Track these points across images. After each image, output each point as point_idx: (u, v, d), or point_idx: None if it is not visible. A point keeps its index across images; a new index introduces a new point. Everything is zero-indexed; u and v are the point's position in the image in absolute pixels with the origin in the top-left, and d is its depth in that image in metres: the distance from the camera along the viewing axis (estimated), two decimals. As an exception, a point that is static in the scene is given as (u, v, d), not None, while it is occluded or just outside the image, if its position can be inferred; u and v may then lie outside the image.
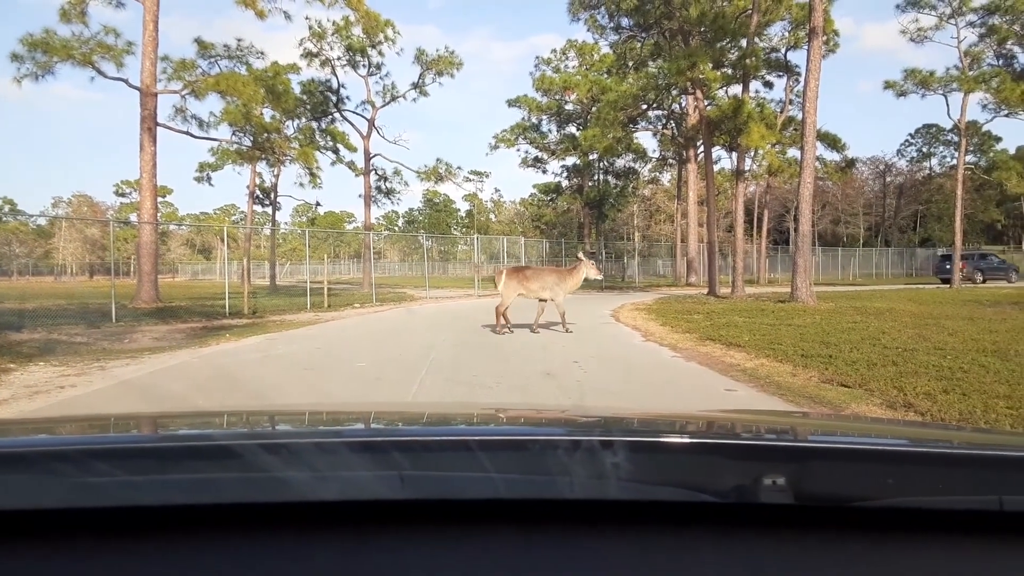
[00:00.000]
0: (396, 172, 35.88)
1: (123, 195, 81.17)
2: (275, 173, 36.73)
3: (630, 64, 32.75)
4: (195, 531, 0.84)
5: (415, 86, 34.03)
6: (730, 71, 23.82)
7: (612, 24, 30.99)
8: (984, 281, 35.34)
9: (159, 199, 29.02)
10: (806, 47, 18.26)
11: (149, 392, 6.91)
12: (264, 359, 9.27)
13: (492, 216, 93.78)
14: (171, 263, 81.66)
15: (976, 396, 5.68)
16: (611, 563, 0.80)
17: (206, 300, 22.17)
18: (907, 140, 73.84)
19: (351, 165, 35.06)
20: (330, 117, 34.43)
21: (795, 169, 34.76)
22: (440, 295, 27.19)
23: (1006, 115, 29.94)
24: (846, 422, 2.99)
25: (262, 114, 30.77)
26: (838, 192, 67.80)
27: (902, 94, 28.27)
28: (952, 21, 29.67)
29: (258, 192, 37.65)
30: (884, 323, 12.66)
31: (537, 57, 47.49)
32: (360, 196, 33.95)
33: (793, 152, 32.89)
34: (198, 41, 26.49)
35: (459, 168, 35.82)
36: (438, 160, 35.26)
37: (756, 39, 25.74)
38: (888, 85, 28.31)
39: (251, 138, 29.65)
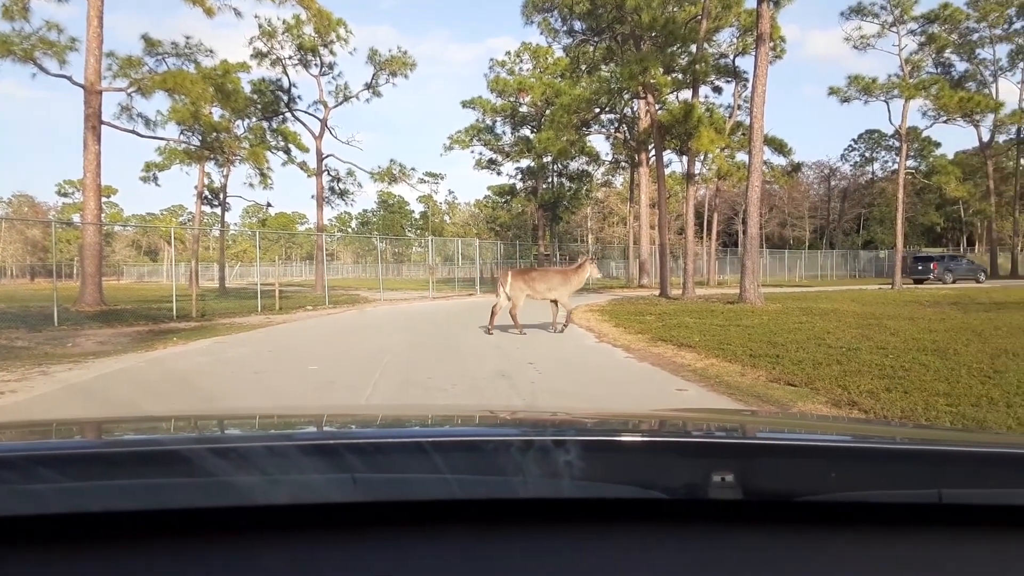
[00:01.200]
0: (349, 173, 35.58)
1: (66, 195, 78.69)
2: (224, 173, 36.07)
3: (583, 68, 33.03)
4: (143, 537, 0.82)
5: (368, 86, 33.80)
6: (680, 76, 24.24)
7: (565, 28, 31.26)
8: (954, 281, 36.36)
9: (103, 199, 28.15)
10: (754, 53, 18.64)
11: (94, 397, 6.72)
12: (213, 363, 9.09)
13: (447, 218, 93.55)
14: (116, 265, 79.47)
15: (917, 394, 5.88)
16: (564, 560, 0.81)
17: (152, 303, 21.63)
18: (850, 145, 75.96)
19: (303, 166, 34.64)
20: (281, 117, 33.96)
21: (743, 173, 35.45)
22: (394, 297, 27.02)
23: (944, 121, 31.05)
24: (792, 420, 3.11)
25: (211, 113, 30.20)
26: (785, 195, 69.29)
27: (846, 100, 29.04)
28: (894, 29, 30.61)
29: (207, 192, 36.91)
30: (829, 323, 13.00)
31: (491, 59, 47.76)
32: (313, 197, 33.59)
33: (742, 156, 33.60)
34: (145, 38, 25.86)
35: (413, 169, 35.72)
36: (392, 161, 35.05)
37: (706, 45, 26.23)
38: (832, 91, 29.06)
39: (200, 137, 29.02)
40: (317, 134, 32.98)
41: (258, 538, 0.83)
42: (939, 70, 40.64)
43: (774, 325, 12.60)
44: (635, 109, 33.65)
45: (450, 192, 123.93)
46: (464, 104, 45.41)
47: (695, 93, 24.04)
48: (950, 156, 55.00)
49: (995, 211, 49.76)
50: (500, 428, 1.46)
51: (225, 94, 25.20)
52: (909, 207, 74.50)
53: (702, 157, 28.03)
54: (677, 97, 33.41)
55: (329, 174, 34.36)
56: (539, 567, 0.80)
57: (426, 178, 43.82)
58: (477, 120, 45.12)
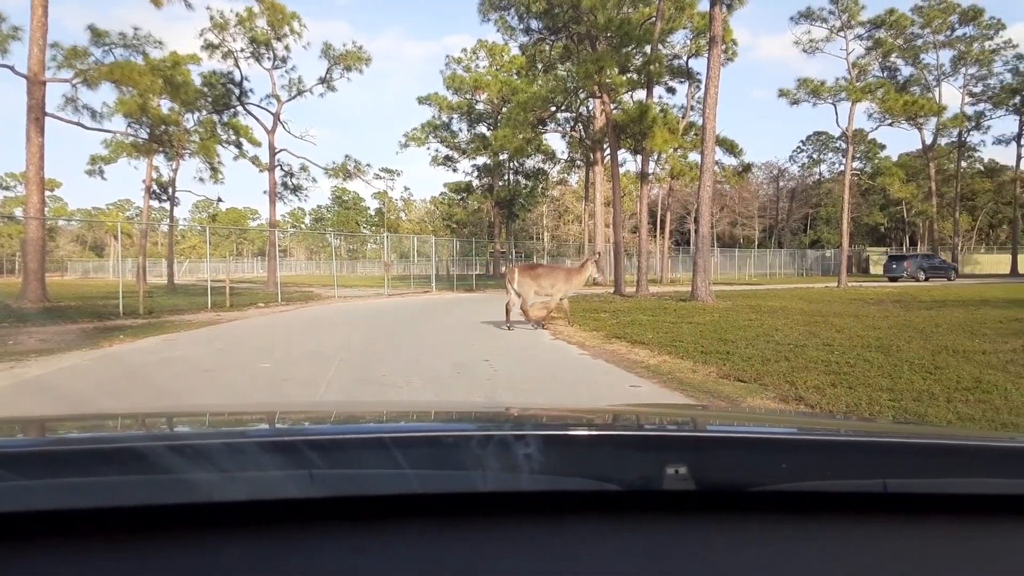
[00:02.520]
0: (303, 168, 35.22)
1: (8, 188, 76.04)
2: (173, 167, 35.27)
3: (539, 66, 33.14)
4: (97, 536, 0.81)
5: (322, 81, 33.34)
6: (635, 76, 24.48)
7: (522, 26, 31.29)
8: (927, 279, 37.82)
9: (47, 193, 27.33)
10: (707, 55, 18.94)
11: (37, 396, 6.54)
12: (161, 361, 8.91)
13: (402, 215, 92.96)
14: (60, 261, 77.12)
15: (861, 389, 6.07)
16: (523, 552, 0.83)
17: (98, 299, 21.05)
18: (799, 147, 77.71)
19: (255, 160, 34.05)
20: (233, 110, 33.30)
21: (696, 173, 35.97)
22: (349, 294, 26.76)
23: (890, 124, 31.97)
24: (743, 413, 3.22)
25: (160, 106, 29.50)
26: (735, 195, 70.52)
27: (795, 102, 29.74)
28: (842, 34, 31.41)
29: (155, 187, 36.04)
30: (777, 320, 13.30)
31: (447, 56, 47.54)
32: (265, 192, 32.98)
33: (694, 156, 34.12)
34: (91, 29, 25.17)
35: (368, 165, 35.32)
36: (347, 157, 34.67)
37: (660, 46, 26.54)
38: (783, 93, 29.72)
39: (148, 130, 28.39)
40: (270, 128, 32.44)
41: (215, 535, 0.82)
42: (885, 74, 41.82)
43: (724, 322, 12.83)
44: (591, 108, 33.88)
45: (406, 189, 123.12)
46: (420, 100, 45.18)
47: (649, 93, 24.33)
48: (895, 158, 56.77)
49: (936, 212, 51.35)
50: (459, 423, 1.48)
51: (174, 86, 24.66)
52: (855, 207, 76.44)
53: (656, 156, 28.37)
54: (632, 97, 33.77)
55: (282, 169, 33.87)
56: (498, 559, 0.81)
57: (381, 174, 43.57)
58: (433, 117, 44.95)
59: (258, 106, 33.20)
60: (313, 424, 1.47)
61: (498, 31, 35.22)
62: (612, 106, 25.96)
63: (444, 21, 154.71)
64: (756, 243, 71.89)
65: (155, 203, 37.79)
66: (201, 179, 34.36)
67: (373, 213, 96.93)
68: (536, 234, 68.25)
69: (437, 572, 0.79)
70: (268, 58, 32.27)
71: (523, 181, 47.68)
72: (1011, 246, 54.16)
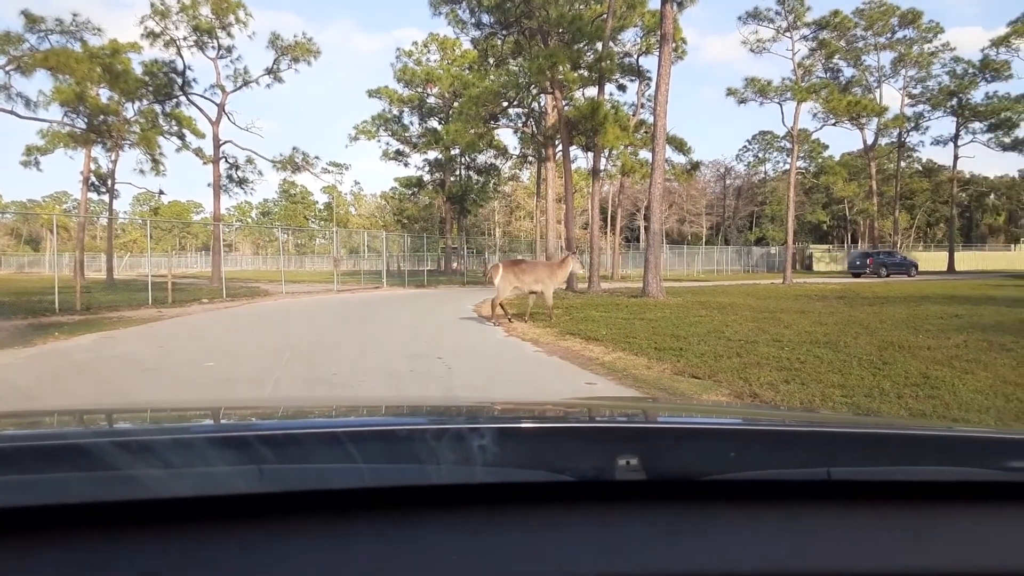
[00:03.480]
0: (249, 161, 34.20)
1: (-67, 179, 72.76)
2: (113, 159, 34.05)
3: (491, 61, 32.97)
4: (37, 533, 0.80)
5: (269, 71, 32.56)
6: (587, 73, 24.51)
7: (473, 20, 31.09)
8: (888, 275, 39.30)
9: (-25, 184, 26.22)
10: (658, 53, 19.06)
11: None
12: (98, 360, 8.53)
13: (352, 209, 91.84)
14: (-9, 254, 74.11)
15: (814, 385, 6.12)
16: (477, 543, 0.83)
17: (33, 295, 20.18)
18: (745, 146, 79.29)
19: (199, 152, 33.06)
20: (175, 100, 32.26)
21: (646, 170, 36.29)
22: (297, 290, 26.21)
23: (834, 124, 32.74)
24: (693, 405, 3.27)
25: (99, 95, 28.52)
26: (683, 193, 71.65)
27: (743, 101, 30.23)
28: (788, 34, 32.01)
29: (94, 179, 34.79)
30: (727, 317, 13.44)
31: (398, 49, 46.90)
32: (209, 185, 32.08)
33: (644, 154, 34.38)
34: (25, 14, 24.11)
35: (317, 158, 34.66)
36: (295, 149, 33.83)
37: (611, 44, 26.65)
38: (731, 92, 30.19)
39: (86, 120, 27.38)
40: (214, 119, 31.54)
41: (160, 531, 0.81)
42: (828, 75, 42.67)
43: (676, 319, 12.91)
44: (543, 104, 33.87)
45: (356, 183, 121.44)
46: (370, 94, 44.59)
47: (601, 90, 24.41)
48: (837, 158, 58.22)
49: (877, 210, 52.80)
50: (413, 417, 1.48)
51: (114, 75, 23.86)
52: (798, 206, 78.28)
53: (607, 153, 28.50)
54: (583, 94, 33.85)
55: (227, 161, 32.92)
56: (451, 551, 0.81)
57: (330, 168, 42.91)
58: (384, 110, 44.40)
59: (202, 96, 32.23)
60: (263, 419, 1.47)
61: (449, 25, 34.97)
62: (564, 103, 25.98)
63: (394, 14, 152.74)
64: (704, 240, 73.10)
65: (94, 195, 36.58)
66: (141, 171, 32.95)
67: (322, 208, 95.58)
68: (488, 230, 68.13)
69: (389, 564, 0.79)
70: (212, 47, 31.36)
71: (475, 177, 47.47)
72: (948, 244, 56.07)
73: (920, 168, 68.80)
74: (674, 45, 34.06)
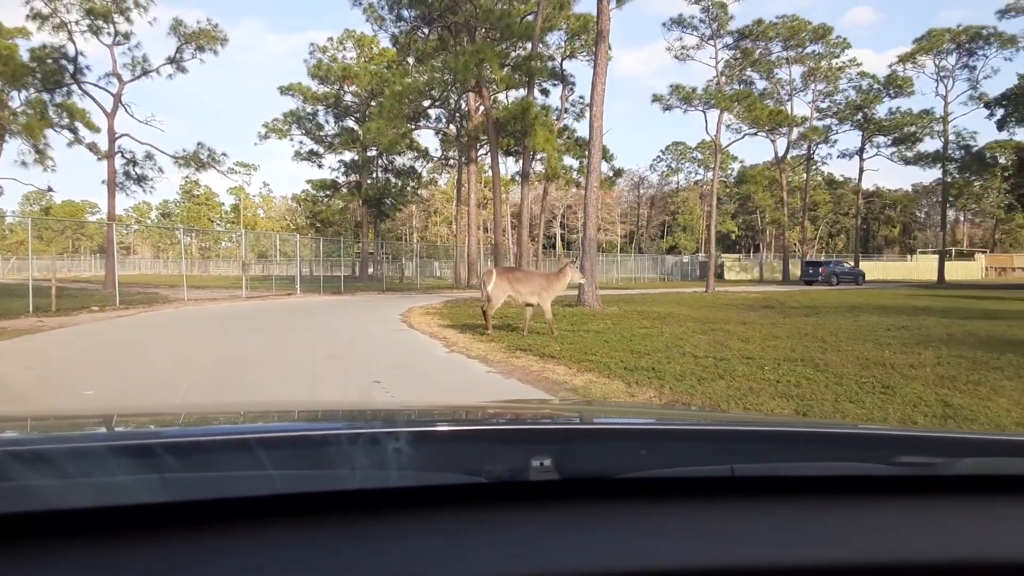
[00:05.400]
0: (148, 156, 31.68)
1: None
2: (-9, 151, 30.89)
3: (410, 60, 31.76)
4: None
5: (172, 61, 30.25)
6: (515, 73, 23.59)
7: (393, 15, 29.81)
8: (838, 283, 41.68)
9: None
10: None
11: None
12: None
13: (260, 212, 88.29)
14: None
15: (838, 418, 5.25)
16: (391, 547, 0.81)
17: None
18: (658, 156, 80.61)
19: (93, 147, 30.26)
20: (66, 90, 29.47)
21: (570, 176, 35.90)
22: (201, 296, 24.02)
23: (754, 133, 33.06)
24: (608, 406, 3.40)
25: (-26, 80, 25.73)
26: (599, 201, 71.99)
27: (667, 108, 30.06)
28: (712, 43, 32.08)
29: (-31, 173, 31.50)
30: (675, 328, 12.73)
31: (312, 44, 44.51)
32: (104, 182, 29.44)
33: (568, 160, 33.93)
34: None
35: (224, 155, 32.47)
36: (200, 145, 31.41)
37: (539, 44, 25.86)
38: (656, 98, 30.00)
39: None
40: (110, 111, 29.01)
41: (57, 545, 0.77)
42: (741, 87, 43.44)
43: (623, 331, 12.12)
44: (466, 106, 32.85)
45: (265, 185, 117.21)
46: (283, 91, 42.41)
47: (530, 90, 23.58)
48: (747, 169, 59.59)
49: (787, 220, 54.23)
50: (328, 421, 1.44)
51: (-8, 58, 21.33)
52: (709, 215, 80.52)
53: (533, 156, 27.65)
54: (507, 96, 33.04)
55: (124, 156, 30.34)
56: (365, 555, 0.80)
57: (238, 169, 40.47)
58: (298, 108, 42.27)
59: (96, 85, 29.59)
60: (168, 426, 1.40)
61: (368, 21, 33.53)
62: (492, 101, 24.99)
63: (308, 14, 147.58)
64: (619, 248, 73.82)
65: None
66: (24, 163, 29.75)
67: (228, 210, 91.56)
68: (404, 235, 66.47)
69: (299, 572, 0.77)
70: (108, 33, 28.87)
71: (393, 179, 45.90)
72: (851, 255, 58.22)
73: (823, 180, 71.55)
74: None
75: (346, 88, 40.26)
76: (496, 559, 0.80)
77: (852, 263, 50.68)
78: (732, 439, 1.18)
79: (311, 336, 12.02)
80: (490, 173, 26.58)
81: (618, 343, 10.19)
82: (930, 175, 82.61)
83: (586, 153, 36.68)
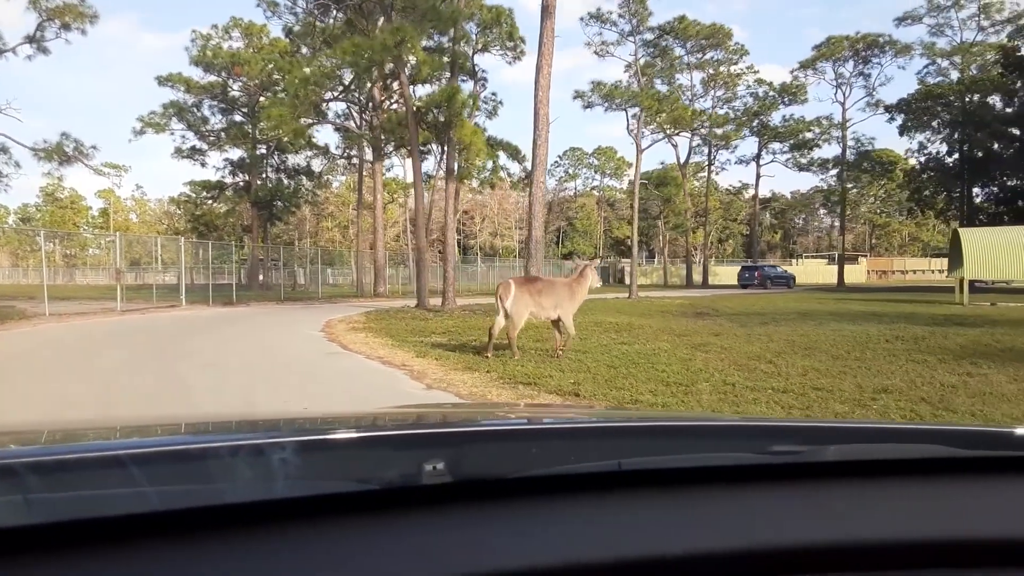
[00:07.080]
0: (3, 149, 27.46)
1: None
2: None
3: (304, 50, 28.97)
4: None
5: (31, 40, 26.23)
6: (438, 57, 21.36)
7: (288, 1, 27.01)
8: (769, 287, 43.61)
9: None
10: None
11: None
12: None
13: (133, 216, 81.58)
14: None
15: None
16: (279, 560, 0.80)
17: None
18: (556, 161, 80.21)
19: (-68, 137, 25.80)
20: None
21: (484, 176, 33.95)
22: (67, 310, 20.23)
23: (677, 133, 32.24)
24: (501, 407, 3.72)
25: None
26: (495, 207, 71.31)
27: (588, 106, 28.69)
28: (631, 39, 31.02)
29: None
30: (658, 343, 11.09)
31: (194, 31, 40.30)
32: (-55, 179, 25.07)
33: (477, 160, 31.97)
34: None
35: (95, 147, 28.41)
36: (64, 135, 27.35)
37: (455, 30, 23.78)
38: (578, 95, 28.62)
39: None
40: (-48, 95, 24.76)
41: None
42: (653, 89, 42.98)
43: (590, 345, 10.55)
44: (376, 99, 30.26)
45: (138, 187, 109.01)
46: (161, 81, 38.25)
47: (454, 77, 21.44)
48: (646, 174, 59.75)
49: (689, 225, 54.51)
50: (212, 434, 1.40)
51: None
52: (605, 220, 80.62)
53: (458, 150, 25.52)
54: (416, 91, 30.78)
55: (-30, 148, 26.04)
56: (251, 568, 0.78)
57: (106, 170, 36.16)
58: (179, 99, 38.25)
59: (-66, 64, 25.23)
60: (32, 445, 1.31)
61: (258, 5, 30.41)
62: (411, 88, 22.63)
63: (188, 11, 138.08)
64: (516, 253, 72.67)
65: None
66: None
67: (96, 214, 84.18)
68: (296, 239, 62.57)
69: None
70: (-52, 3, 24.62)
71: (285, 180, 42.49)
72: (743, 259, 59.34)
73: (717, 187, 73.16)
74: (512, 44, 32.04)
75: (235, 78, 36.74)
76: (392, 566, 0.80)
77: (783, 267, 52.45)
78: (620, 435, 1.22)
79: (221, 368, 9.16)
80: (392, 173, 24.42)
81: (592, 359, 8.54)
82: (811, 181, 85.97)
83: (498, 154, 34.95)
